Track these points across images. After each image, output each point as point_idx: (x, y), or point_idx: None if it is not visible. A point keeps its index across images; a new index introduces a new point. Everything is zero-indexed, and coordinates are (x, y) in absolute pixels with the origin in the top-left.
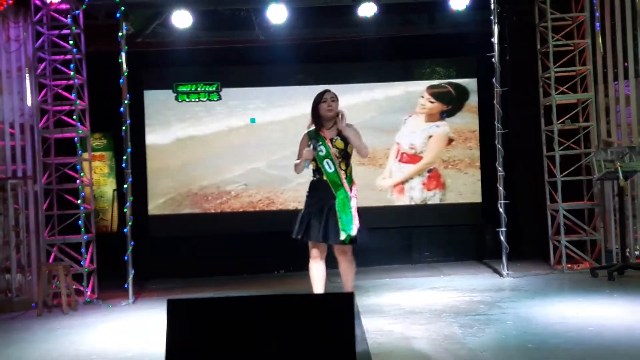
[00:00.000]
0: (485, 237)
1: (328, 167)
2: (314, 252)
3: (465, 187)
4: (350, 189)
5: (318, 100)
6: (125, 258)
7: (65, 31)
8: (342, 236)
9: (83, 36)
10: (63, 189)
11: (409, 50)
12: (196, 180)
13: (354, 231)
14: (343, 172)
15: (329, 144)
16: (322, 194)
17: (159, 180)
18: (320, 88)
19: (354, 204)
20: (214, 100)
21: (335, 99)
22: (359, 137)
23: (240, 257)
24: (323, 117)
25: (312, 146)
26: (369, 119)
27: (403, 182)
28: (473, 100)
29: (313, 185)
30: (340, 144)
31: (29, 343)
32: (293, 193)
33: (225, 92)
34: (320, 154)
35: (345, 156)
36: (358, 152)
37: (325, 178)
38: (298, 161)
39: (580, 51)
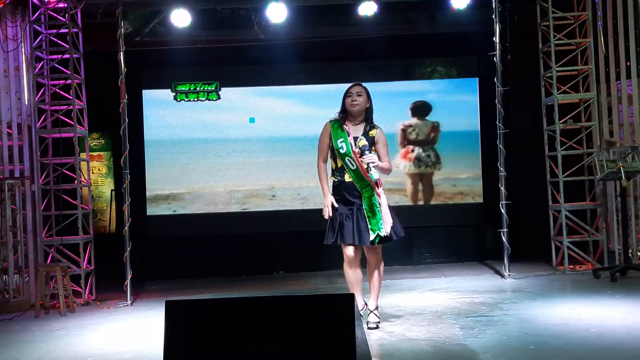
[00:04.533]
0: (486, 237)
1: (350, 164)
2: (349, 255)
3: (466, 188)
4: (377, 186)
5: (345, 93)
6: (124, 259)
7: (63, 30)
8: (372, 236)
9: (81, 35)
10: (61, 189)
11: (409, 49)
12: (195, 180)
13: (384, 230)
14: (366, 168)
15: (351, 142)
16: (349, 195)
17: (157, 180)
18: (321, 87)
19: (383, 202)
20: (213, 100)
21: (362, 93)
22: (386, 151)
23: (240, 257)
24: (349, 111)
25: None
26: None
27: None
28: (473, 100)
29: (336, 187)
30: (363, 143)
31: (27, 344)
32: (293, 193)
33: (224, 91)
34: (341, 151)
35: None
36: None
37: (348, 179)
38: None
39: (582, 50)
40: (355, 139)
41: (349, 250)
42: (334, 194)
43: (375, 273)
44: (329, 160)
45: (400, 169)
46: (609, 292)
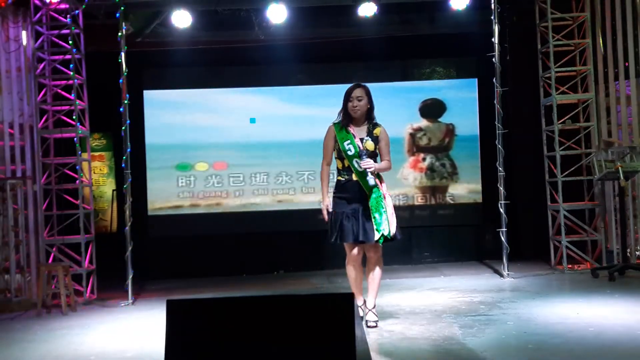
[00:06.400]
0: (485, 237)
1: (358, 166)
2: (351, 255)
3: (465, 187)
4: (381, 187)
5: (347, 97)
6: (125, 258)
7: (64, 31)
8: (377, 236)
9: (82, 36)
10: (62, 189)
11: (409, 50)
12: (196, 180)
13: (390, 230)
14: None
15: (359, 144)
16: (353, 194)
17: (158, 180)
18: (321, 88)
19: (389, 202)
20: (213, 100)
21: (362, 97)
22: (387, 149)
23: (240, 257)
24: (350, 115)
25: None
26: None
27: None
28: (472, 100)
29: (342, 186)
30: (370, 145)
31: (29, 343)
32: (293, 193)
33: (225, 92)
34: (349, 153)
35: (372, 156)
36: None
37: (355, 178)
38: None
39: (581, 51)
40: (362, 140)
41: (352, 249)
42: (340, 192)
43: (375, 272)
44: (334, 161)
45: (410, 181)
46: (607, 292)
